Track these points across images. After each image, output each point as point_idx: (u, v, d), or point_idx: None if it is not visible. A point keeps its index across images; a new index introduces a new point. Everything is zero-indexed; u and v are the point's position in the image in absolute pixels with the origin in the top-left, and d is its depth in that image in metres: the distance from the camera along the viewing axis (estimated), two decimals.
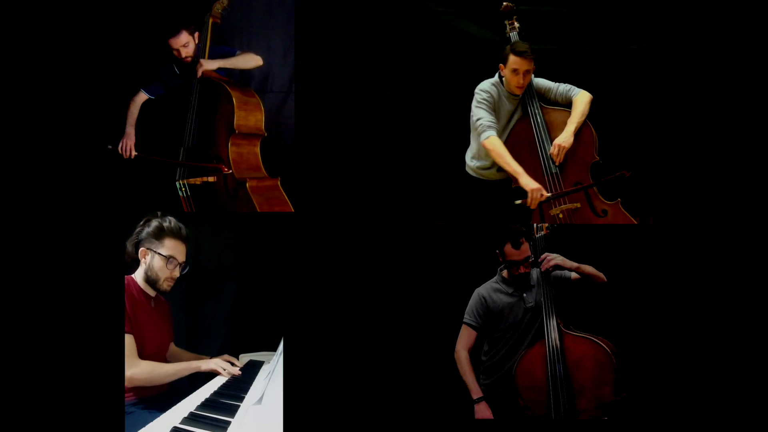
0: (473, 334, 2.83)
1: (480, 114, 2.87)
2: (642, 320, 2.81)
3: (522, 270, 2.82)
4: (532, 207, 2.79)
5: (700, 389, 2.80)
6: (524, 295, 2.83)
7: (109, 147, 2.98)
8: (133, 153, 3.00)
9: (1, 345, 2.71)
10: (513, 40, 2.92)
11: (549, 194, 2.81)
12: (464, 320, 2.84)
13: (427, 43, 2.98)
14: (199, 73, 2.98)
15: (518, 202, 2.80)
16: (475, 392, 2.78)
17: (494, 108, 2.89)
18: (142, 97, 3.04)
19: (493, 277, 2.89)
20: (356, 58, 2.88)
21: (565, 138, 2.84)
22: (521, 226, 2.82)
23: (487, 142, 2.84)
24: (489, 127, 2.84)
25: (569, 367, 2.70)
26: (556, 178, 2.86)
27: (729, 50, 2.85)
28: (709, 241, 2.84)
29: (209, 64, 2.98)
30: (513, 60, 2.83)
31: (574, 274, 2.83)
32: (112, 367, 2.64)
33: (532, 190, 2.77)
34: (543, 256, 2.78)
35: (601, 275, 2.80)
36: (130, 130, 3.02)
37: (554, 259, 2.77)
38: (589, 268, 2.80)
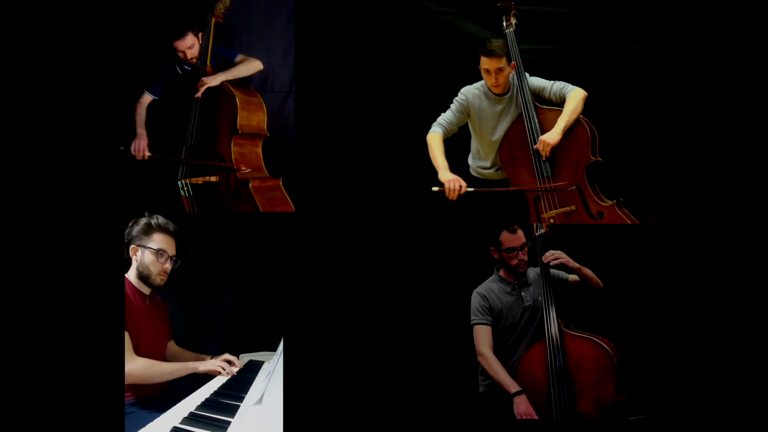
0: (489, 330, 2.81)
1: (445, 113, 2.94)
2: (642, 320, 2.81)
3: (520, 256, 2.82)
4: (451, 197, 2.83)
5: (700, 389, 2.80)
6: (522, 293, 2.84)
7: (121, 148, 2.97)
8: (147, 154, 2.99)
9: (0, 345, 2.71)
10: (509, 38, 2.90)
11: (471, 188, 2.84)
12: (475, 321, 2.82)
13: (427, 43, 2.98)
14: (201, 92, 2.98)
15: (435, 189, 2.85)
16: (513, 386, 2.70)
17: (463, 111, 2.93)
18: (147, 98, 3.03)
19: (490, 277, 2.89)
20: (356, 58, 2.88)
21: (551, 135, 2.82)
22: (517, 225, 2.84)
23: (428, 136, 2.92)
24: (438, 124, 2.93)
25: (570, 367, 2.70)
26: (549, 180, 2.85)
27: (729, 50, 2.84)
28: (710, 241, 2.83)
29: (212, 81, 2.98)
30: (482, 60, 2.84)
31: (572, 276, 2.84)
32: (113, 367, 2.64)
33: (448, 181, 2.83)
34: (548, 252, 2.79)
35: (598, 280, 2.81)
36: (141, 131, 3.01)
37: (560, 257, 2.78)
38: (588, 271, 2.82)
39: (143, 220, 2.68)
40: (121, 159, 2.97)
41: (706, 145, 2.86)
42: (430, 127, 2.95)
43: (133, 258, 2.66)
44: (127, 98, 3.01)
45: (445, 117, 2.93)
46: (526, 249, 2.83)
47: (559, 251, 2.80)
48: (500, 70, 2.83)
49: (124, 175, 2.98)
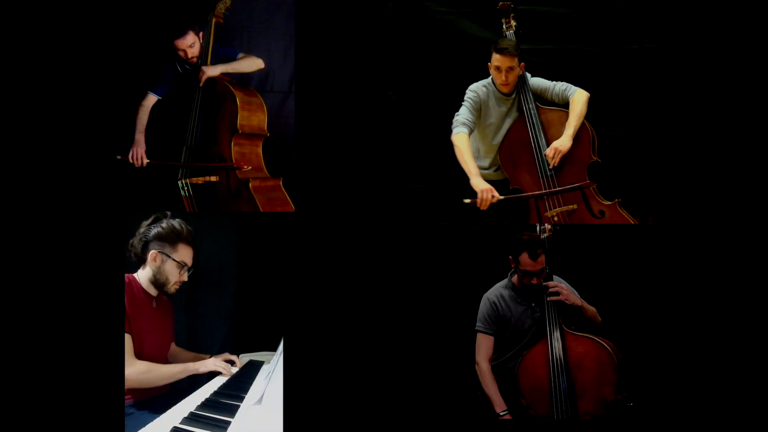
0: (491, 340, 2.80)
1: (461, 111, 2.89)
2: (642, 320, 2.81)
3: (535, 281, 2.79)
4: (482, 207, 2.77)
5: (700, 388, 2.80)
6: (533, 304, 2.82)
7: (118, 157, 2.94)
8: (145, 161, 2.97)
9: (0, 345, 2.70)
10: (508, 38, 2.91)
11: (501, 197, 2.78)
12: (479, 329, 2.81)
13: (427, 43, 2.98)
14: (202, 81, 2.98)
15: (467, 201, 2.78)
16: (499, 405, 2.73)
17: (478, 108, 2.89)
18: (152, 99, 3.00)
19: (502, 281, 2.87)
20: (356, 58, 2.88)
21: (562, 142, 2.82)
22: (538, 234, 2.80)
23: (454, 137, 2.85)
24: (462, 123, 2.86)
25: (571, 366, 2.70)
26: (551, 179, 2.86)
27: (729, 50, 2.85)
28: (709, 241, 2.84)
29: (211, 71, 2.98)
30: (494, 57, 2.84)
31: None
32: (113, 368, 2.63)
33: (482, 191, 2.76)
34: (552, 286, 2.77)
35: (599, 319, 2.80)
36: (140, 137, 2.97)
37: (560, 295, 2.76)
38: (590, 308, 2.80)
39: (166, 224, 2.62)
40: (119, 168, 2.94)
41: (705, 145, 2.86)
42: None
43: (152, 262, 2.62)
44: (130, 99, 3.00)
45: (465, 115, 2.86)
46: (544, 274, 2.78)
47: (563, 287, 2.78)
48: (511, 69, 2.83)
49: (125, 175, 2.97)
